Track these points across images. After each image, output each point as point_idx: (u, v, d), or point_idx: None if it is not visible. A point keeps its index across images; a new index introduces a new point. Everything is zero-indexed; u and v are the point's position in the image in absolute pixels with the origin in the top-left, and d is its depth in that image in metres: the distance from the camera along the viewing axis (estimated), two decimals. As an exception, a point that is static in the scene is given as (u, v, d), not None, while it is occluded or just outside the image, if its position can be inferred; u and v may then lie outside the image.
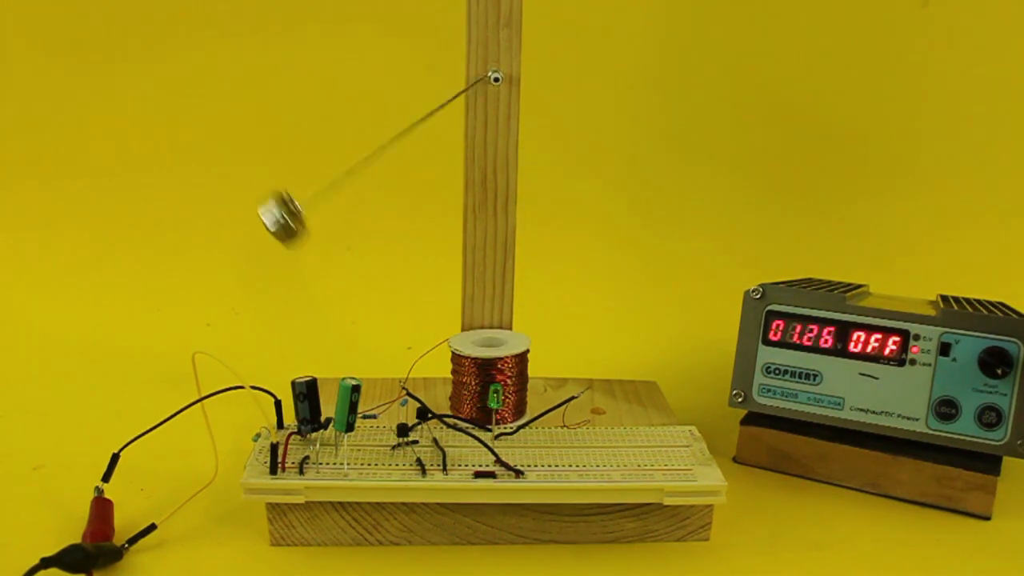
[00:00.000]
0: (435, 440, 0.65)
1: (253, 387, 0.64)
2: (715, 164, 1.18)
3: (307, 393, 0.64)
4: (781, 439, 0.76)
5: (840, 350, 0.73)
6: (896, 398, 0.71)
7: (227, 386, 0.65)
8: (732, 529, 0.66)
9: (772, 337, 0.75)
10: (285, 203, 0.65)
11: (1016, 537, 0.67)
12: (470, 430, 0.67)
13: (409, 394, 0.73)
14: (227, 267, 1.13)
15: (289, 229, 0.65)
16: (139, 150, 1.14)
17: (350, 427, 0.62)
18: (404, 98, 1.15)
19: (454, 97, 0.70)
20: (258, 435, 0.66)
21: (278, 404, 0.67)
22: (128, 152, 1.14)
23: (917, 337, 0.71)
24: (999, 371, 0.68)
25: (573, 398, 0.76)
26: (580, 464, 0.63)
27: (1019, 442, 0.68)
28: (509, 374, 0.71)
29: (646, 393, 0.81)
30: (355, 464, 0.62)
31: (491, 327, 0.78)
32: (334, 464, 0.62)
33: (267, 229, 0.64)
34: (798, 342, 0.74)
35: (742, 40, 1.14)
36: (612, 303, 1.13)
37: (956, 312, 0.70)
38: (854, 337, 0.73)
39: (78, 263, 1.12)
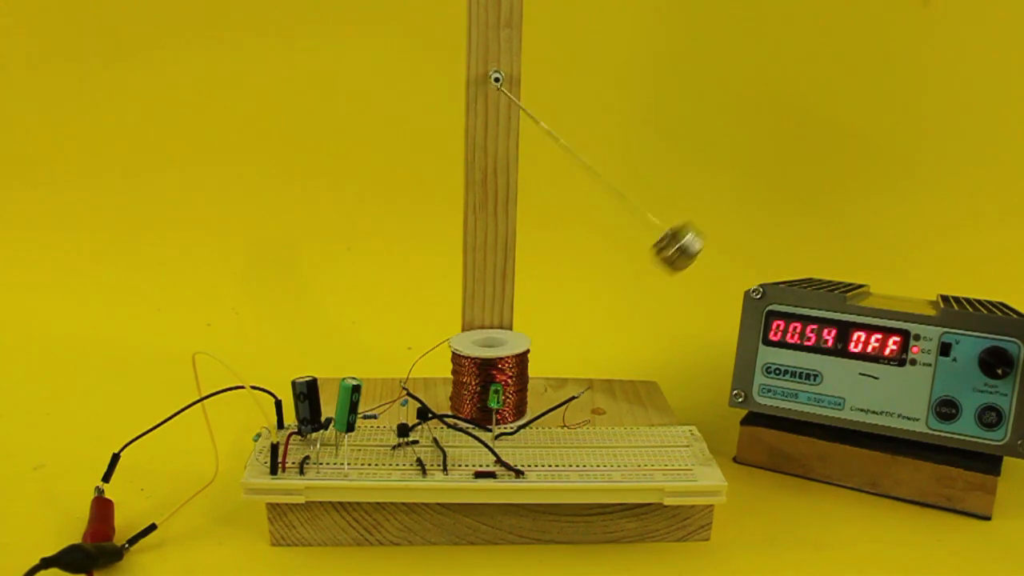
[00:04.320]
0: (435, 440, 0.65)
1: (253, 387, 0.64)
2: (715, 164, 1.18)
3: (307, 393, 0.64)
4: (781, 439, 0.76)
5: (840, 350, 0.73)
6: (896, 398, 0.71)
7: (227, 386, 0.65)
8: (732, 529, 0.66)
9: (772, 337, 0.75)
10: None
11: (1016, 537, 0.67)
12: (470, 430, 0.67)
13: (409, 394, 0.73)
14: (227, 267, 1.13)
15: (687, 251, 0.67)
16: (139, 150, 1.14)
17: (350, 427, 0.62)
18: (405, 99, 1.15)
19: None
20: (258, 435, 0.66)
21: (278, 404, 0.67)
22: (128, 152, 1.14)
23: (917, 337, 0.71)
24: (999, 371, 0.68)
25: (573, 398, 0.76)
26: (580, 464, 0.63)
27: (1019, 442, 0.68)
28: (509, 374, 0.71)
29: (646, 393, 0.81)
30: (355, 464, 0.62)
31: (491, 327, 0.78)
32: (334, 464, 0.62)
33: (693, 242, 0.66)
34: (798, 342, 0.74)
35: (742, 40, 1.14)
36: (612, 303, 1.13)
37: (956, 312, 0.70)
38: (854, 337, 0.73)
39: (78, 263, 1.12)
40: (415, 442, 0.66)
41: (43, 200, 1.14)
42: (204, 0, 1.11)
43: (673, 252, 0.67)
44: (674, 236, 0.67)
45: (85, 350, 0.99)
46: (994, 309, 0.74)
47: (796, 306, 0.75)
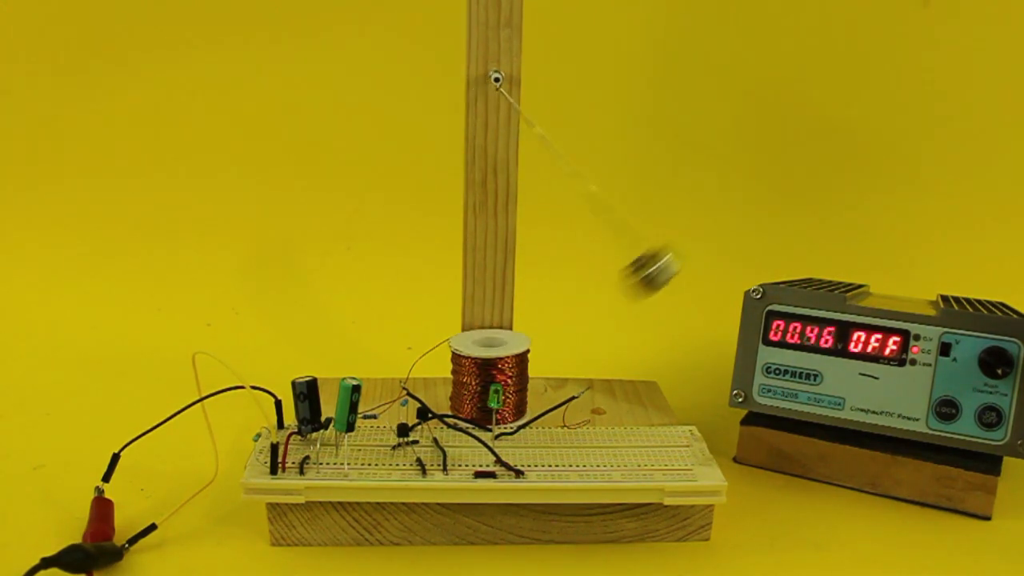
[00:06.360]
0: (435, 440, 0.65)
1: (253, 387, 0.64)
2: (715, 164, 1.18)
3: (307, 393, 0.64)
4: (781, 439, 0.76)
5: (840, 350, 0.73)
6: (896, 398, 0.71)
7: (227, 386, 0.65)
8: (732, 529, 0.66)
9: (772, 337, 0.75)
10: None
11: (1016, 537, 0.67)
12: (470, 430, 0.67)
13: (409, 394, 0.73)
14: (227, 267, 1.13)
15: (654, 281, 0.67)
16: (140, 151, 1.14)
17: (350, 427, 0.62)
18: (405, 99, 1.15)
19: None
20: (258, 435, 0.66)
21: (278, 404, 0.67)
22: (129, 153, 1.14)
23: (917, 337, 0.71)
24: (999, 371, 0.68)
25: (573, 398, 0.76)
26: (580, 464, 0.63)
27: (1019, 442, 0.68)
28: (509, 374, 0.71)
29: (646, 393, 0.81)
30: (355, 464, 0.62)
31: (491, 327, 0.78)
32: (334, 464, 0.62)
33: (660, 273, 0.67)
34: (798, 342, 0.74)
35: (742, 40, 1.14)
36: (612, 303, 1.13)
37: (956, 312, 0.70)
38: (854, 337, 0.73)
39: (78, 263, 1.12)
40: (415, 442, 0.66)
41: (43, 200, 1.14)
42: (205, 3, 1.11)
43: (646, 276, 0.67)
44: (651, 259, 0.67)
45: (85, 350, 0.99)
46: (994, 309, 0.74)
47: (796, 306, 0.75)
